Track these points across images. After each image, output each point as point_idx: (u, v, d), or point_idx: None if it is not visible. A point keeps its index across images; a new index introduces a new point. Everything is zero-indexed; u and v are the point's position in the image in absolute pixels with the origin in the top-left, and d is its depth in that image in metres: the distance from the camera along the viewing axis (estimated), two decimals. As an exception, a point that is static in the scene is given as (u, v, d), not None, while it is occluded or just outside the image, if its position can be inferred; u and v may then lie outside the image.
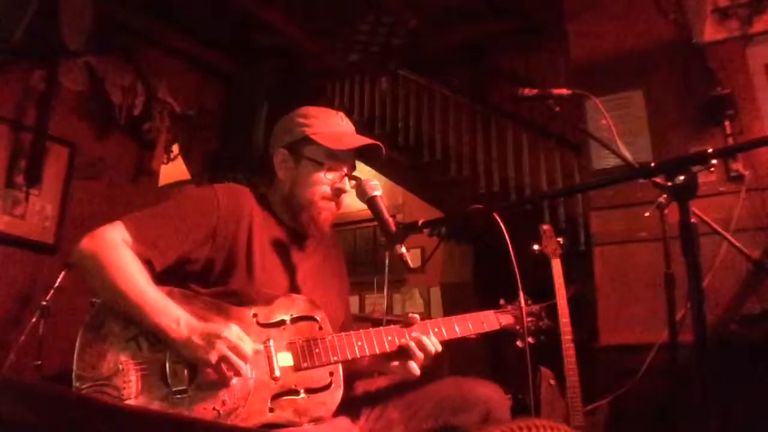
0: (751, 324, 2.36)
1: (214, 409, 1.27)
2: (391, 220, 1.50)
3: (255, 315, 1.40)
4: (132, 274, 1.31)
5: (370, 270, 5.70)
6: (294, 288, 1.52)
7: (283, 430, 1.31)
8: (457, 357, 3.00)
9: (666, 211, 1.36)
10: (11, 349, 3.19)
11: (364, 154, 1.66)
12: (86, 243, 1.35)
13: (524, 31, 5.43)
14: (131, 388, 1.23)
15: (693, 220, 1.12)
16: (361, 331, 1.49)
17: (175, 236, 1.41)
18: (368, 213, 1.54)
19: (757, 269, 2.51)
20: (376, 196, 1.53)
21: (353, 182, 1.59)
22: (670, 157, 1.41)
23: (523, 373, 1.49)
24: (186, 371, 1.28)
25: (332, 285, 1.67)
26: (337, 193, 1.58)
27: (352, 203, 1.64)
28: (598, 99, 2.25)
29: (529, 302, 1.77)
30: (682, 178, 1.14)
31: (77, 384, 1.21)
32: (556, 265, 2.44)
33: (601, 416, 2.45)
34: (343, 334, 1.47)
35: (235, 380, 1.29)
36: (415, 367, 1.49)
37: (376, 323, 1.66)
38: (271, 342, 1.37)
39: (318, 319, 1.45)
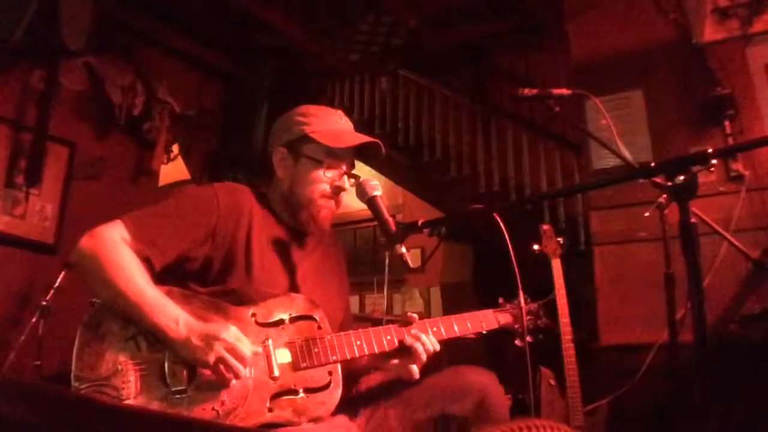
0: (751, 324, 2.36)
1: (213, 409, 1.27)
2: (391, 220, 1.50)
3: (254, 314, 1.39)
4: (131, 273, 1.31)
5: (370, 270, 5.70)
6: (293, 287, 1.52)
7: (282, 429, 1.31)
8: (456, 356, 2.99)
9: (666, 211, 1.36)
10: (11, 349, 3.19)
11: (363, 153, 1.66)
12: (85, 242, 1.34)
13: (524, 31, 5.43)
14: (130, 388, 1.22)
15: (693, 220, 1.12)
16: (360, 330, 1.49)
17: (175, 235, 1.41)
18: (368, 213, 1.54)
19: (757, 269, 2.51)
20: (376, 196, 1.53)
21: (352, 180, 1.59)
22: (670, 157, 1.40)
23: (523, 373, 1.48)
24: (185, 371, 1.28)
25: (332, 284, 1.67)
26: (337, 191, 1.57)
27: (352, 203, 1.64)
28: (598, 99, 2.25)
29: (528, 301, 1.77)
30: (682, 178, 1.14)
31: (76, 384, 1.21)
32: (556, 265, 2.44)
33: (601, 416, 2.45)
34: (342, 333, 1.47)
35: (233, 380, 1.29)
36: (415, 370, 1.49)
37: (376, 323, 1.65)
38: (270, 341, 1.37)
39: (317, 318, 1.45)
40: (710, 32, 2.84)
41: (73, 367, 1.22)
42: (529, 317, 1.79)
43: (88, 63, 4.47)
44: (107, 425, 1.04)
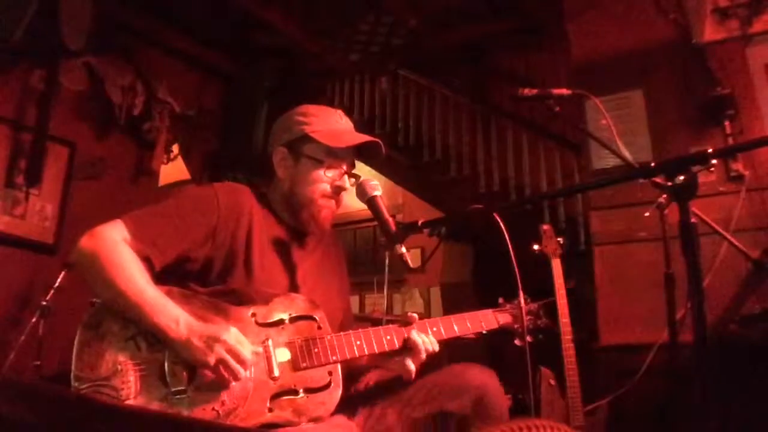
0: (751, 324, 2.36)
1: (213, 409, 1.26)
2: (391, 220, 1.50)
3: (254, 314, 1.39)
4: (131, 273, 1.30)
5: (370, 270, 5.70)
6: (293, 287, 1.52)
7: (283, 429, 1.31)
8: (456, 356, 2.99)
9: (666, 211, 1.36)
10: (11, 349, 3.19)
11: (363, 152, 1.66)
12: (86, 242, 1.34)
13: (524, 31, 5.43)
14: (130, 389, 1.22)
15: (693, 220, 1.12)
16: (360, 330, 1.49)
17: (175, 235, 1.41)
18: (368, 213, 1.54)
19: (757, 269, 2.51)
20: (376, 196, 1.53)
21: (353, 180, 1.59)
22: (670, 157, 1.40)
23: (522, 373, 1.48)
24: (185, 372, 1.27)
25: (332, 284, 1.67)
26: (337, 190, 1.57)
27: (352, 203, 1.64)
28: (598, 99, 2.25)
29: (528, 301, 1.77)
30: (682, 178, 1.14)
31: (76, 384, 1.21)
32: (556, 265, 2.44)
33: (601, 416, 2.45)
34: (342, 333, 1.47)
35: (233, 382, 1.29)
36: (411, 365, 1.48)
37: (376, 323, 1.65)
38: (270, 342, 1.37)
39: (317, 318, 1.45)
40: (710, 32, 2.84)
41: (73, 367, 1.22)
42: (529, 317, 1.79)
43: (88, 63, 4.47)
44: (107, 425, 1.04)
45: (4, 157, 4.05)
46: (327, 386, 1.39)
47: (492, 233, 1.52)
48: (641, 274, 2.72)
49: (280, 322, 1.41)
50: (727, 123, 2.74)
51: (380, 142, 1.60)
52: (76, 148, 4.46)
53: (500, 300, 1.78)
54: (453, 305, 5.26)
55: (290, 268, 1.54)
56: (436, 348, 1.52)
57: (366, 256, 6.23)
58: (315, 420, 1.35)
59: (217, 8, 5.01)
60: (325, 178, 1.55)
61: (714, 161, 1.13)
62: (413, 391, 1.54)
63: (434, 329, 1.56)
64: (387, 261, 3.51)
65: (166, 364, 1.26)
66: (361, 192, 1.54)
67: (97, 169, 4.57)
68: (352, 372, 1.56)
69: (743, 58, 2.80)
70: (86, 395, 1.19)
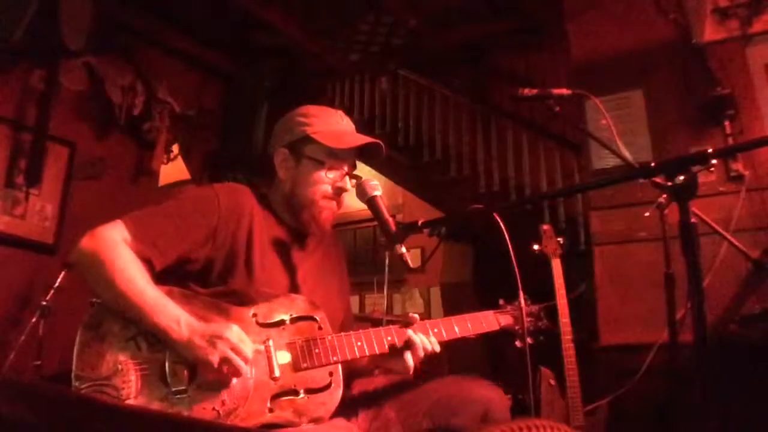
0: (751, 324, 2.36)
1: (213, 409, 1.26)
2: (391, 220, 1.50)
3: (254, 315, 1.39)
4: (132, 274, 1.30)
5: (370, 270, 5.70)
6: (294, 287, 1.52)
7: (283, 430, 1.31)
8: (457, 357, 3.00)
9: (666, 211, 1.36)
10: (11, 349, 3.19)
11: (364, 153, 1.66)
12: (86, 242, 1.34)
13: (524, 31, 5.44)
14: (130, 388, 1.22)
15: (693, 220, 1.12)
16: (360, 331, 1.49)
17: (175, 235, 1.41)
18: (368, 213, 1.54)
19: (757, 269, 2.51)
20: (376, 196, 1.53)
21: (354, 181, 1.59)
22: (670, 157, 1.41)
23: (523, 373, 1.48)
24: (185, 371, 1.27)
25: (333, 284, 1.67)
26: (338, 192, 1.57)
27: (352, 203, 1.64)
28: (598, 99, 2.25)
29: (529, 302, 1.77)
30: (682, 178, 1.14)
31: (76, 384, 1.21)
32: (556, 265, 2.44)
33: (601, 416, 2.45)
34: (342, 334, 1.46)
35: (234, 380, 1.29)
36: (410, 360, 1.48)
37: (376, 323, 1.66)
38: (271, 342, 1.37)
39: (318, 319, 1.45)
40: (710, 32, 2.84)
41: (73, 367, 1.22)
42: (529, 319, 1.78)
43: (88, 63, 4.47)
44: (108, 425, 1.04)
45: (4, 157, 4.05)
46: (328, 387, 1.39)
47: (492, 233, 1.52)
48: (641, 274, 2.72)
49: (281, 322, 1.41)
50: (727, 123, 2.74)
51: (381, 143, 1.60)
52: (76, 148, 4.46)
53: (501, 301, 1.77)
54: (453, 305, 5.27)
55: (291, 269, 1.54)
56: (437, 349, 1.51)
57: (366, 256, 6.23)
58: (315, 420, 1.35)
59: (217, 8, 5.02)
60: (326, 179, 1.55)
61: (714, 161, 1.13)
62: (415, 395, 1.54)
63: (435, 330, 1.56)
64: (387, 261, 3.52)
65: (166, 364, 1.26)
66: (361, 192, 1.54)
67: (97, 169, 4.57)
68: (352, 373, 1.56)
69: (743, 58, 2.80)
70: (86, 395, 1.19)
